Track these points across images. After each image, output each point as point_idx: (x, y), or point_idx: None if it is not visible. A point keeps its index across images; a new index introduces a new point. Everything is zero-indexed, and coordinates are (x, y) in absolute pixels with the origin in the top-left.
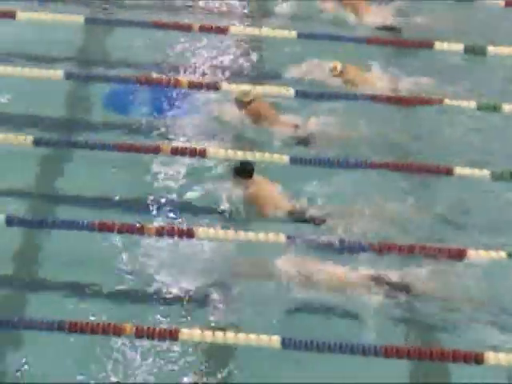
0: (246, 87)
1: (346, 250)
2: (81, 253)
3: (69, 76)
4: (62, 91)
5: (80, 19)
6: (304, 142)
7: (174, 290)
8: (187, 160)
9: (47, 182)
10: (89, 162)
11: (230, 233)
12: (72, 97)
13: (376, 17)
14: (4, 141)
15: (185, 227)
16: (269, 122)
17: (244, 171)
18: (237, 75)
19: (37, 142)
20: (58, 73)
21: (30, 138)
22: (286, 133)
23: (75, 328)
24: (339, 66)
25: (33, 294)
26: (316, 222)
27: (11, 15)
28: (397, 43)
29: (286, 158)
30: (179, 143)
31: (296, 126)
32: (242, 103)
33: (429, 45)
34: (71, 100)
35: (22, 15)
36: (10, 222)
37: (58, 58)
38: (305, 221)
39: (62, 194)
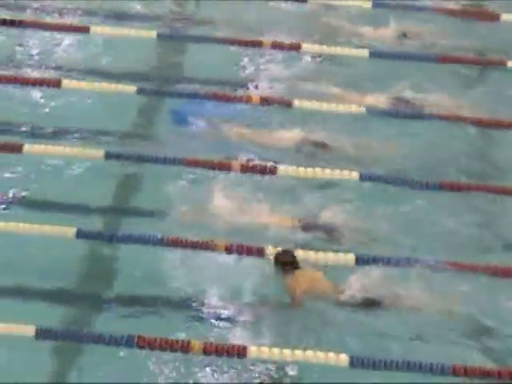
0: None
1: None
2: (149, 267)
3: (141, 91)
4: (133, 106)
5: (153, 35)
6: None
7: (235, 307)
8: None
9: (117, 195)
10: (158, 176)
11: None
12: (143, 111)
13: None
14: (76, 154)
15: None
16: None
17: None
18: (309, 92)
19: (108, 156)
20: (130, 88)
21: (101, 152)
22: None
23: (143, 343)
24: None
25: (102, 308)
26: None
27: (85, 30)
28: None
29: None
30: (250, 160)
31: None
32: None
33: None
34: (143, 115)
35: (95, 30)
36: (80, 234)
37: (131, 72)
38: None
39: (132, 207)
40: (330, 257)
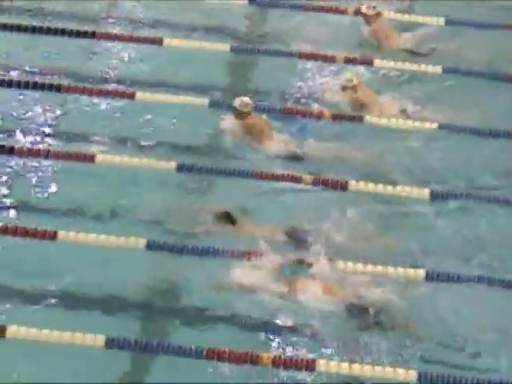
0: (246, 98)
1: None
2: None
3: (213, 104)
4: (205, 118)
5: (226, 47)
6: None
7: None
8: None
9: (188, 207)
10: (229, 188)
11: None
12: (215, 125)
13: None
14: (148, 166)
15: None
16: (262, 137)
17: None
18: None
19: (179, 168)
20: (202, 100)
21: (173, 164)
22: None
23: (213, 355)
24: (355, 79)
25: (170, 320)
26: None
27: (158, 42)
28: None
29: None
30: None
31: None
32: (240, 114)
33: None
34: (214, 128)
35: (168, 42)
36: (150, 246)
37: (203, 85)
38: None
39: (203, 220)
40: None
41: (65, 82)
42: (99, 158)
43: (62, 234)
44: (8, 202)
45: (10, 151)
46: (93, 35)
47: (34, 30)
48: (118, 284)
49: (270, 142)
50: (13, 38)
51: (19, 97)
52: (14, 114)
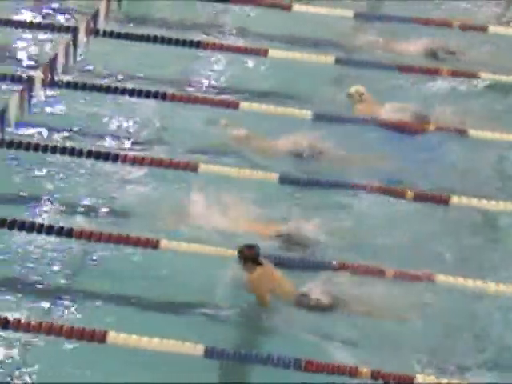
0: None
1: None
2: None
3: (316, 117)
4: (309, 130)
5: (330, 60)
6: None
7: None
8: None
9: (289, 219)
10: (330, 202)
11: None
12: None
13: None
14: (251, 176)
15: None
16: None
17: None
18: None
19: (282, 180)
20: (305, 112)
21: (275, 175)
22: None
23: (311, 367)
24: (363, 90)
25: (269, 330)
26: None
27: (262, 53)
28: None
29: None
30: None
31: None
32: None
33: None
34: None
35: (272, 53)
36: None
37: (307, 97)
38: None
39: (304, 233)
40: None
41: (170, 90)
42: (202, 167)
43: (164, 243)
44: (112, 209)
45: (115, 158)
46: (198, 44)
47: (141, 38)
48: (219, 294)
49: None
50: (121, 46)
51: (128, 105)
52: (124, 122)
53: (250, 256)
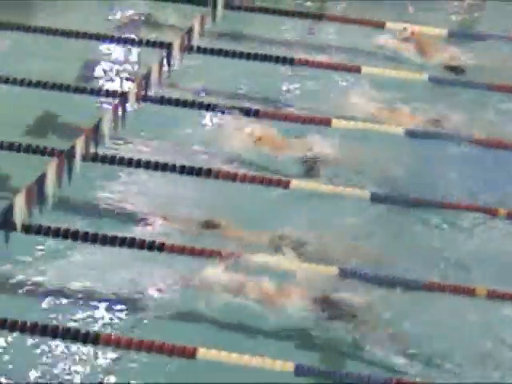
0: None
1: None
2: None
3: (410, 134)
4: (401, 148)
5: (424, 77)
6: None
7: None
8: None
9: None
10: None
11: None
12: (412, 154)
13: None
14: (342, 193)
15: None
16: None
17: None
18: None
19: (374, 198)
20: (398, 129)
21: (367, 193)
22: None
23: None
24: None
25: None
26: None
27: (356, 69)
28: None
29: None
30: None
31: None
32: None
33: None
34: (411, 157)
35: (366, 70)
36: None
37: (399, 114)
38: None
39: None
40: None
41: (263, 107)
42: (294, 183)
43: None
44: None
45: (208, 173)
46: (291, 61)
47: (234, 54)
48: None
49: None
50: (214, 62)
51: (217, 120)
52: (213, 137)
53: None
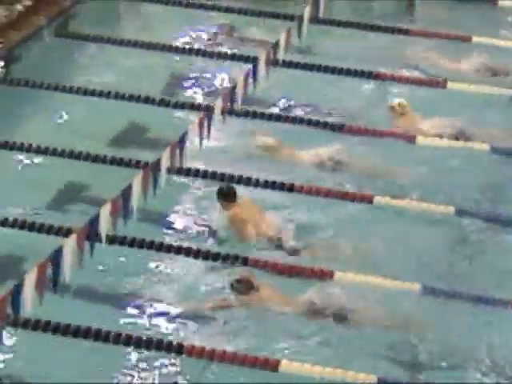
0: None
1: None
2: None
3: (495, 150)
4: (486, 165)
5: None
6: None
7: None
8: None
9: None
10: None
11: None
12: (496, 171)
13: None
14: (424, 209)
15: None
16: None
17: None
18: None
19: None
20: (483, 146)
21: (451, 209)
22: None
23: None
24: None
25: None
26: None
27: (442, 84)
28: None
29: None
30: None
31: None
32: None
33: None
34: (495, 174)
35: (452, 85)
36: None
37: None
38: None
39: None
40: None
41: (347, 122)
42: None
43: (338, 274)
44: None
45: (282, 187)
46: (377, 76)
47: (319, 68)
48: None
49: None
50: (299, 77)
51: (306, 135)
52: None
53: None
